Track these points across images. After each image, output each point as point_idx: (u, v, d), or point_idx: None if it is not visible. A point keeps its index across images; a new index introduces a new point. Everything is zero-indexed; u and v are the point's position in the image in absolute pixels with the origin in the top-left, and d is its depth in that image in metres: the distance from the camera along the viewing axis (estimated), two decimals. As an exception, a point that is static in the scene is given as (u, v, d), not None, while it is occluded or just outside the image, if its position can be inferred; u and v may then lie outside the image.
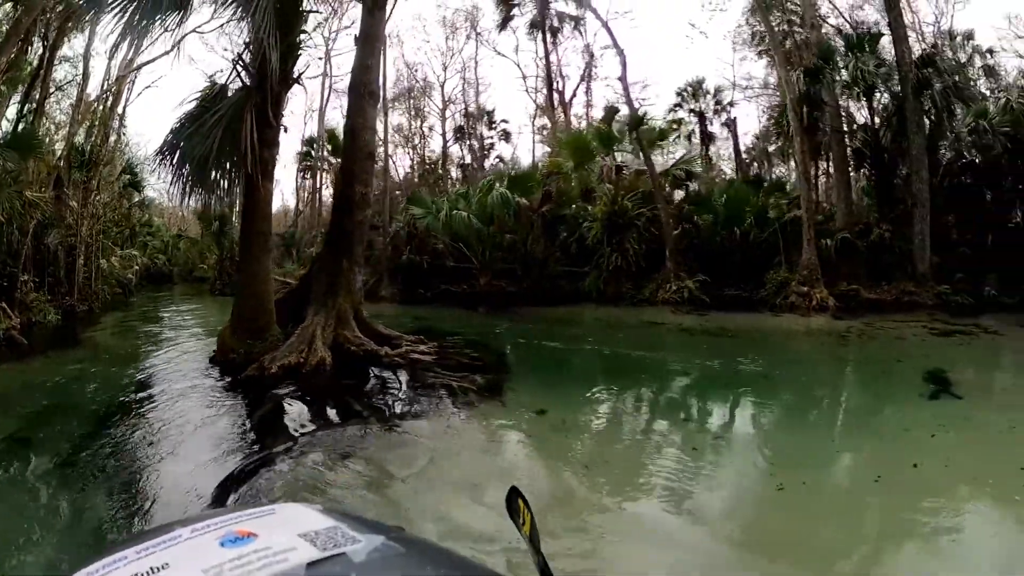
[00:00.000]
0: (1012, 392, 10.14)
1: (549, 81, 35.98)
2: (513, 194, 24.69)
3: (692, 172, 26.04)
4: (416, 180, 36.51)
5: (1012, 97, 23.90)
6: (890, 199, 23.98)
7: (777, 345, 16.29)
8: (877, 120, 25.02)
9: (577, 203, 25.40)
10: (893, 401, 9.74)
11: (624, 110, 27.39)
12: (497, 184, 25.25)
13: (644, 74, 58.90)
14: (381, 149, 25.97)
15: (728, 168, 34.27)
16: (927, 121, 23.90)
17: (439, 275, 26.32)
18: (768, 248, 22.89)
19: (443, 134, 39.13)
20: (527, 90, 38.76)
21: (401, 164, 39.90)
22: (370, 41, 14.34)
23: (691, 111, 31.73)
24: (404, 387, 10.85)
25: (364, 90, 13.96)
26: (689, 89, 31.63)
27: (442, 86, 39.78)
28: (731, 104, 31.50)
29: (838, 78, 23.89)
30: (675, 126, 28.61)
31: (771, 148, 31.66)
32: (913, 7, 30.66)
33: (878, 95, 24.80)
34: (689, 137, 31.91)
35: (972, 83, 26.59)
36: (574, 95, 37.67)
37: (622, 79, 26.03)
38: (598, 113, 35.00)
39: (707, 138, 31.81)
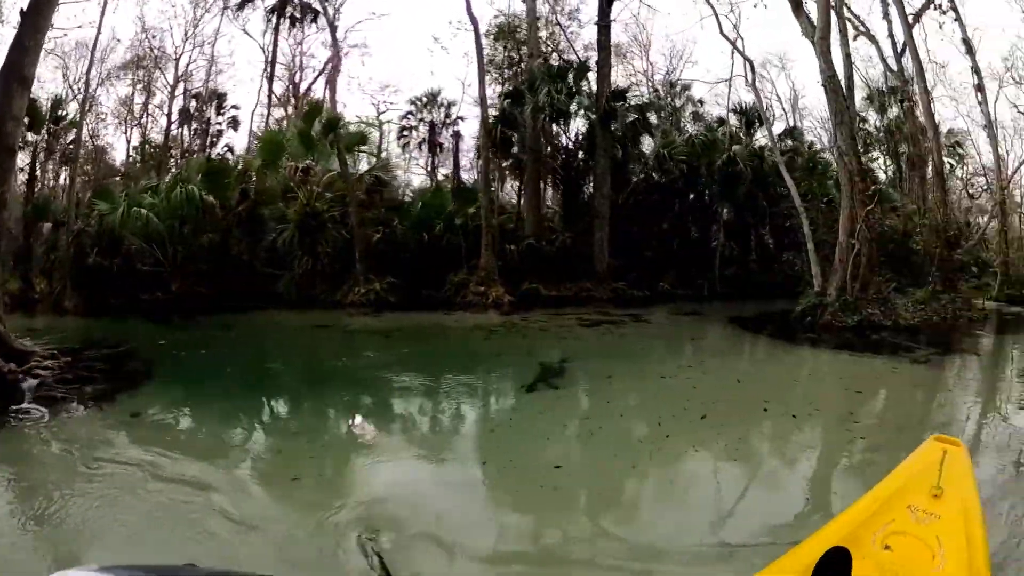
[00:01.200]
0: (608, 380, 9.85)
1: (271, 69, 33.03)
2: (202, 191, 22.31)
3: (383, 178, 25.27)
4: (138, 167, 31.32)
5: (694, 133, 27.68)
6: (577, 211, 25.69)
7: (425, 340, 15.56)
8: (572, 143, 26.85)
9: (277, 203, 23.64)
10: (500, 393, 9.62)
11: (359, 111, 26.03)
12: (187, 178, 22.71)
13: (395, 78, 56.45)
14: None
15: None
16: (619, 148, 25.75)
17: (132, 280, 23.29)
18: (463, 252, 22.92)
19: (168, 115, 32.79)
20: (266, 77, 33.48)
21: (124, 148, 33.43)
22: (36, 16, 11.69)
23: (422, 120, 31.09)
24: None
25: (16, 75, 11.37)
26: (424, 99, 31.03)
27: (177, 59, 33.11)
28: (460, 118, 31.12)
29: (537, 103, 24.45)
30: (371, 130, 27.73)
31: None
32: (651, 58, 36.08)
33: (581, 122, 26.34)
34: (420, 145, 31.36)
35: (671, 120, 30.00)
36: (309, 89, 34.99)
37: (329, 81, 24.86)
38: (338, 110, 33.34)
39: (434, 147, 31.37)
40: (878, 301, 15.67)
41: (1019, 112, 31.16)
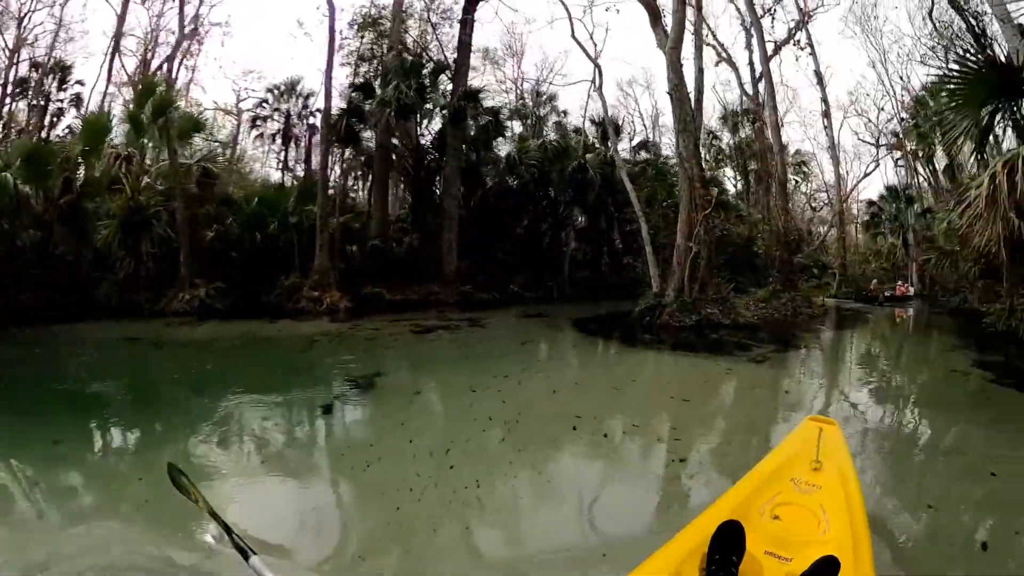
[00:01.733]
0: (416, 396, 8.30)
1: (117, 40, 28.24)
2: (18, 179, 18.46)
3: (210, 170, 22.31)
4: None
5: (548, 140, 26.96)
6: (427, 212, 24.18)
7: (236, 353, 12.89)
8: (426, 143, 25.05)
9: (104, 196, 20.07)
10: (290, 417, 7.39)
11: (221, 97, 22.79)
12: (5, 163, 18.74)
13: (259, 63, 51.10)
14: None
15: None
16: (472, 149, 24.58)
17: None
18: (297, 253, 20.43)
19: (3, 85, 27.14)
20: (111, 50, 28.27)
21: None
22: None
23: (277, 110, 28.25)
24: None
25: None
26: (282, 87, 28.20)
27: (21, 20, 27.36)
28: (319, 111, 28.37)
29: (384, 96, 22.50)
30: (207, 118, 24.89)
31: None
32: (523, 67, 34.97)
33: (439, 121, 24.67)
34: (275, 137, 28.50)
35: (535, 128, 29.63)
36: (162, 68, 29.72)
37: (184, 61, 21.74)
38: (196, 94, 29.83)
39: (288, 140, 28.61)
40: (717, 301, 15.09)
41: (859, 139, 34.65)
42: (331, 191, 22.80)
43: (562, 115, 31.09)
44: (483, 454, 5.43)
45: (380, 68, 25.06)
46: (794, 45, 28.66)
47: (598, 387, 8.47)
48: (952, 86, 8.90)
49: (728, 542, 2.09)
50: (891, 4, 51.66)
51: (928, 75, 27.54)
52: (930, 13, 24.82)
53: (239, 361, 11.74)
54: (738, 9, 28.64)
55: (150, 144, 20.63)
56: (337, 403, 7.57)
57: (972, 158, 27.26)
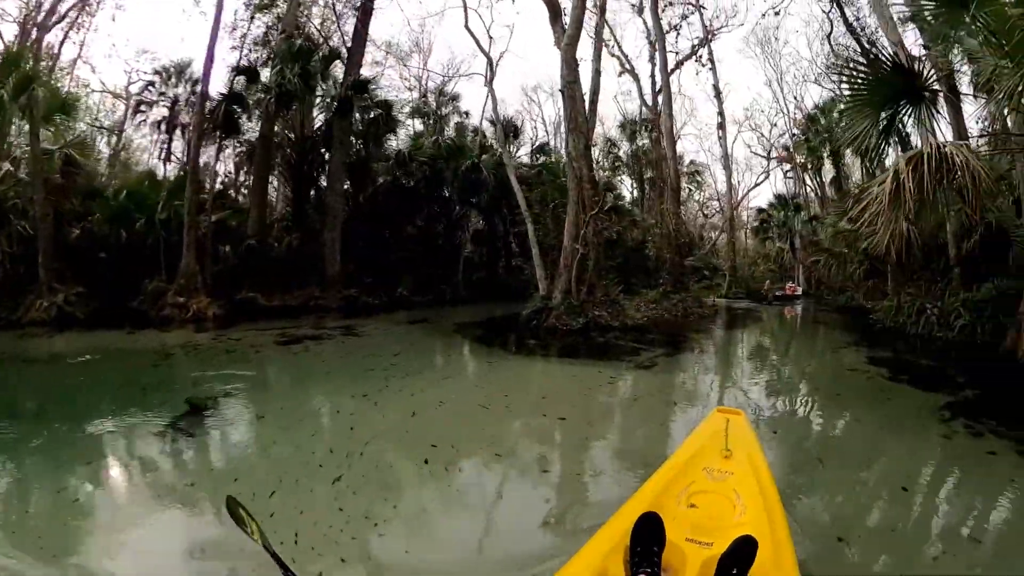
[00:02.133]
0: (259, 421, 6.62)
1: None
2: None
3: (74, 158, 19.29)
4: None
5: (442, 138, 25.27)
6: (310, 209, 22.17)
7: (79, 371, 10.62)
8: (311, 133, 22.72)
9: None
10: (116, 447, 5.82)
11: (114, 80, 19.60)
12: None
13: (155, 43, 46.22)
14: None
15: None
16: (362, 144, 22.90)
17: None
18: (164, 253, 18.05)
19: None
20: None
21: None
22: None
23: (163, 95, 25.22)
24: None
25: None
26: (171, 70, 25.14)
27: None
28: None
29: (267, 82, 20.51)
30: (89, 100, 21.97)
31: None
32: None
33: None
34: (160, 124, 25.45)
35: (437, 127, 27.52)
36: (42, 40, 25.33)
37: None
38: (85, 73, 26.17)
39: (173, 128, 25.59)
40: (606, 303, 14.21)
41: (752, 152, 36.07)
42: (212, 184, 20.70)
43: (464, 116, 29.82)
44: (310, 500, 4.11)
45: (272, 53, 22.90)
46: (696, 61, 28.98)
47: (466, 406, 7.04)
48: (855, 90, 8.39)
49: (648, 534, 2.07)
50: (792, 28, 54.36)
51: (821, 95, 29.06)
52: (828, 36, 25.77)
53: (73, 382, 9.58)
54: (645, 23, 28.63)
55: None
56: (172, 431, 5.93)
57: (859, 169, 29.13)
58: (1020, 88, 6.65)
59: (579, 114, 14.74)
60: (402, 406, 6.92)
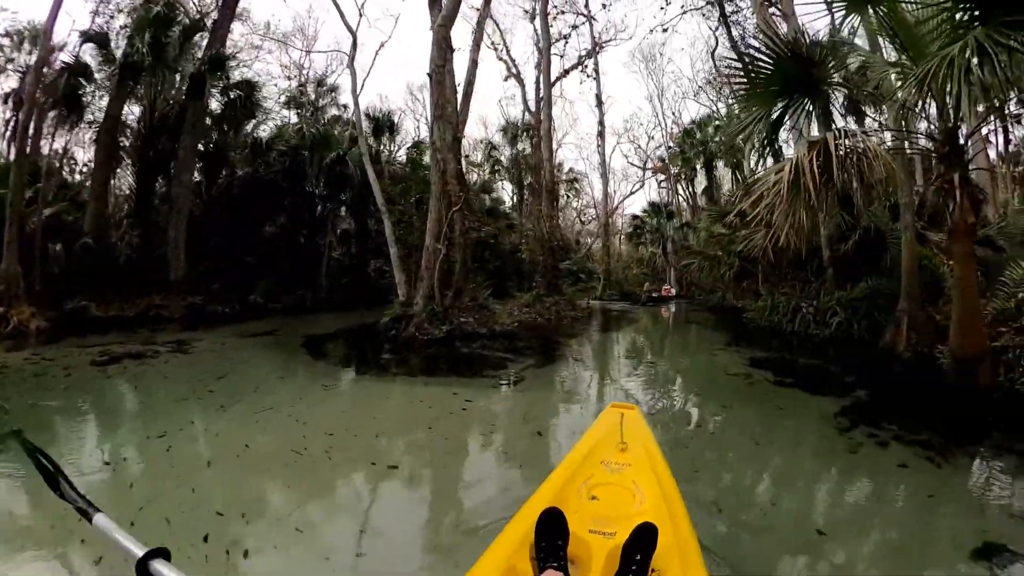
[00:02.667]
0: None
1: None
2: None
3: None
4: None
5: (306, 125, 22.74)
6: (155, 202, 19.01)
7: None
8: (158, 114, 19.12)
9: None
10: None
11: None
12: None
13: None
14: None
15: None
16: (217, 129, 20.06)
17: None
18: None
19: None
20: None
21: None
22: None
23: (10, 61, 21.46)
24: None
25: None
26: (26, 32, 21.38)
27: None
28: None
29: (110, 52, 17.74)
30: None
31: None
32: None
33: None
34: (7, 99, 21.55)
35: (313, 119, 24.59)
36: None
37: None
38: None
39: (19, 104, 21.66)
40: (473, 308, 12.76)
41: (628, 162, 36.11)
42: (59, 172, 17.54)
43: (342, 108, 27.15)
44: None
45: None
46: (582, 71, 28.62)
47: (277, 451, 5.13)
48: (750, 80, 7.73)
49: (551, 528, 2.03)
50: (677, 46, 55.96)
51: (699, 111, 29.84)
52: (713, 52, 25.78)
53: None
54: (535, 30, 27.95)
55: None
56: None
57: (730, 181, 30.26)
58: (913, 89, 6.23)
59: (447, 102, 13.29)
60: (199, 453, 5.20)
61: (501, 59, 26.91)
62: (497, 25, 26.30)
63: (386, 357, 10.28)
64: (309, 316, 16.84)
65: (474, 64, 16.23)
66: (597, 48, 27.89)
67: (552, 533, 2.02)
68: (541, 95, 27.34)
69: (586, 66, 28.12)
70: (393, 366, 9.60)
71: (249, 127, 21.28)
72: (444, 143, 12.70)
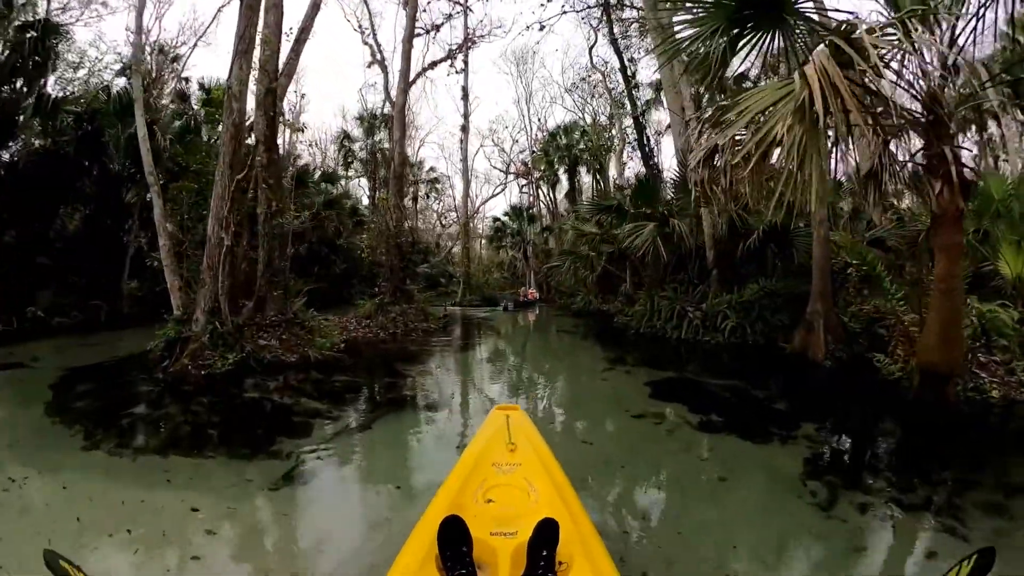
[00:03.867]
0: None
1: None
2: None
3: None
4: None
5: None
6: None
7: None
8: None
9: None
10: None
11: None
12: None
13: None
14: None
15: None
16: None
17: None
18: None
19: None
20: None
21: None
22: None
23: None
24: None
25: None
26: None
27: None
28: None
29: None
30: None
31: None
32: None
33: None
34: None
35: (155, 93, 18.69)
36: None
37: None
38: None
39: None
40: (282, 325, 8.68)
41: (491, 165, 33.13)
42: None
43: (183, 82, 21.13)
44: None
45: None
46: (450, 65, 25.11)
47: None
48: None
49: (453, 536, 1.89)
50: (549, 49, 53.42)
51: (565, 117, 27.59)
52: (591, 49, 23.86)
53: None
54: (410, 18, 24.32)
55: None
56: None
57: (592, 187, 28.60)
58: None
59: (266, 42, 9.08)
60: None
61: (366, 43, 22.62)
62: (367, 5, 22.07)
63: (135, 413, 6.04)
64: (100, 335, 11.58)
65: (315, 7, 11.79)
66: (469, 43, 24.60)
67: (455, 541, 1.88)
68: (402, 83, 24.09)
69: (455, 59, 24.74)
70: (140, 431, 5.44)
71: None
72: (242, 88, 8.41)
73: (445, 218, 35.94)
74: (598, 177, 25.77)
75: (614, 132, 26.20)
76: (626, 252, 12.83)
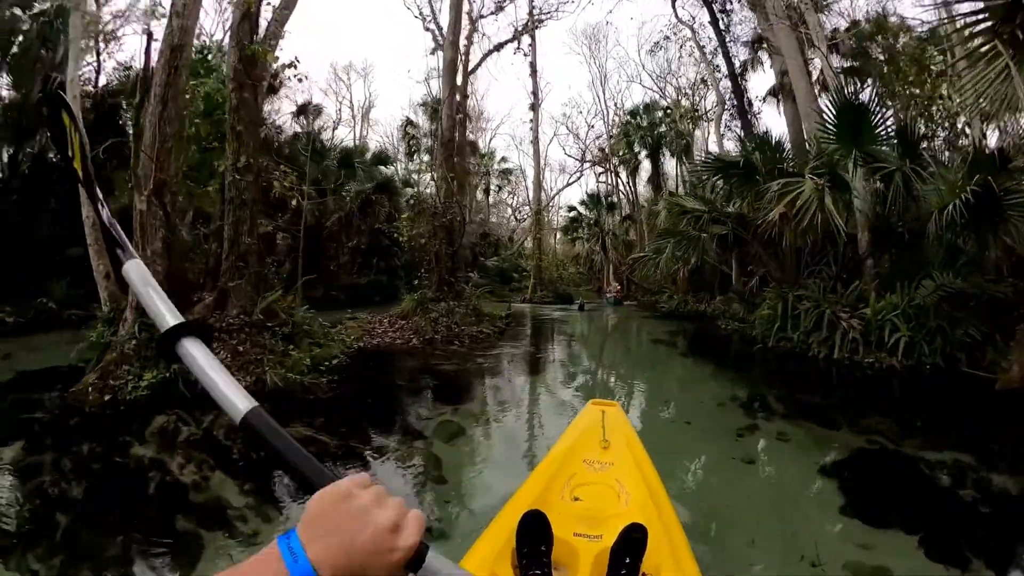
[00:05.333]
0: None
1: None
2: None
3: None
4: None
5: None
6: None
7: None
8: None
9: None
10: None
11: None
12: None
13: None
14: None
15: None
16: None
17: None
18: None
19: None
20: None
21: None
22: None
23: None
24: None
25: None
26: None
27: None
28: None
29: None
30: None
31: None
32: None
33: None
34: None
35: None
36: None
37: None
38: None
39: None
40: (244, 330, 5.45)
41: (566, 153, 29.62)
42: None
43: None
44: None
45: None
46: (516, 44, 22.04)
47: None
48: None
49: (533, 532, 1.60)
50: (624, 24, 48.88)
51: (644, 96, 23.91)
52: (674, 3, 20.69)
53: None
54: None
55: None
56: None
57: (676, 171, 24.73)
58: None
59: None
60: None
61: (428, 29, 20.01)
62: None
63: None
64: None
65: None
66: (536, 21, 21.31)
67: (535, 537, 1.60)
68: (471, 67, 21.47)
69: (520, 39, 21.53)
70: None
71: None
72: (189, 2, 5.51)
73: (520, 212, 32.86)
74: (683, 159, 21.76)
75: (706, 103, 21.94)
76: (742, 233, 9.02)
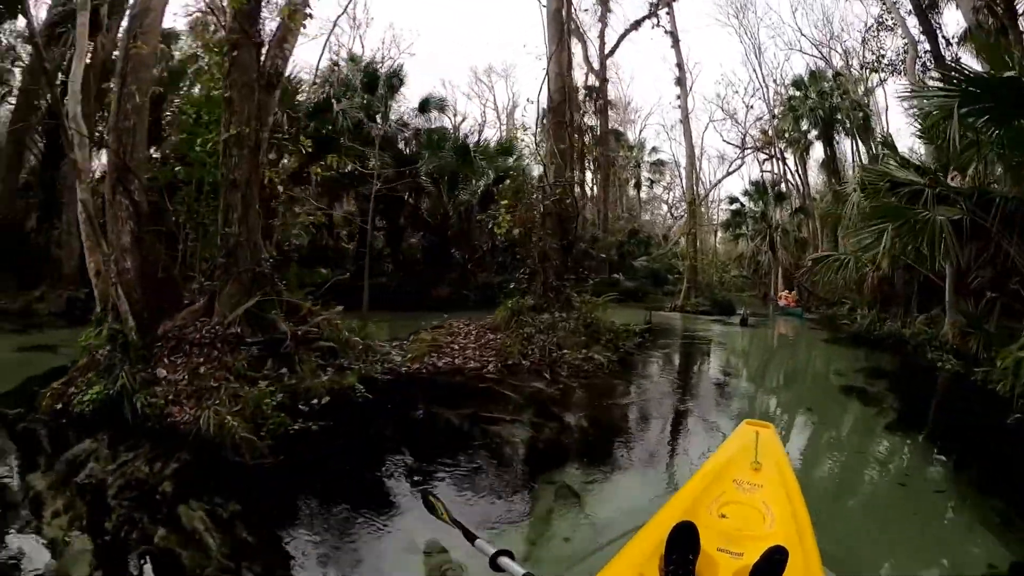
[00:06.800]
0: None
1: None
2: None
3: None
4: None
5: None
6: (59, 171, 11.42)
7: None
8: None
9: None
10: None
11: None
12: None
13: None
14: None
15: None
16: None
17: None
18: None
19: None
20: None
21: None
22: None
23: None
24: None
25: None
26: None
27: None
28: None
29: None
30: None
31: None
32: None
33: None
34: None
35: None
36: None
37: None
38: None
39: None
40: (217, 345, 3.85)
41: (723, 139, 25.67)
42: None
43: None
44: None
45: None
46: (654, 23, 19.05)
47: None
48: None
49: (684, 542, 1.66)
50: None
51: (808, 65, 19.34)
52: None
53: None
54: None
55: None
56: None
57: (851, 150, 19.62)
58: None
59: None
60: None
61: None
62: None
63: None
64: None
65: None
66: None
67: (685, 547, 1.64)
68: (607, 51, 19.19)
69: (658, 18, 18.48)
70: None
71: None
72: None
73: (676, 208, 29.25)
74: (859, 137, 16.94)
75: (885, 54, 16.54)
76: (982, 219, 5.52)
